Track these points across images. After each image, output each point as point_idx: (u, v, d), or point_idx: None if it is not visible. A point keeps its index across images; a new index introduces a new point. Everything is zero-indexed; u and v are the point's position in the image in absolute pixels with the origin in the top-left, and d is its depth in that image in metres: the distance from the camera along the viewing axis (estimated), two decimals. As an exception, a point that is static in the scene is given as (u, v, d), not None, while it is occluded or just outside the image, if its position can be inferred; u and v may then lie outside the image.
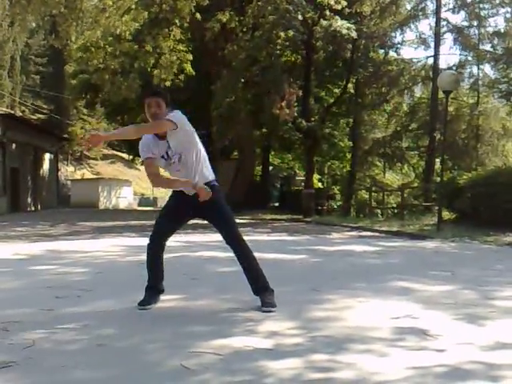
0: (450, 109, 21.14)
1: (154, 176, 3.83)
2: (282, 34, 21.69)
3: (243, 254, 3.86)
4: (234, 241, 3.87)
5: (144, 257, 7.02)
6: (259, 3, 19.39)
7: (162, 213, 4.21)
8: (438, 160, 21.95)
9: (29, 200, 28.73)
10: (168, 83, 20.44)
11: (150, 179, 3.92)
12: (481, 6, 23.52)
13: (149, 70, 20.95)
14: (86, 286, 4.58)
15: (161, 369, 2.50)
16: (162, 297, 4.16)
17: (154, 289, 3.99)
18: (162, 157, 3.75)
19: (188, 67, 21.61)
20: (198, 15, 19.10)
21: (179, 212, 4.01)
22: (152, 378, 2.36)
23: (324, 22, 19.79)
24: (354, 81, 25.57)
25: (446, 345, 2.87)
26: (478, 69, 25.22)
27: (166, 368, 2.51)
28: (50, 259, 6.67)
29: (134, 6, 19.11)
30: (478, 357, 2.66)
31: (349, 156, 28.65)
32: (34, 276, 5.26)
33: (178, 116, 3.65)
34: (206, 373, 2.42)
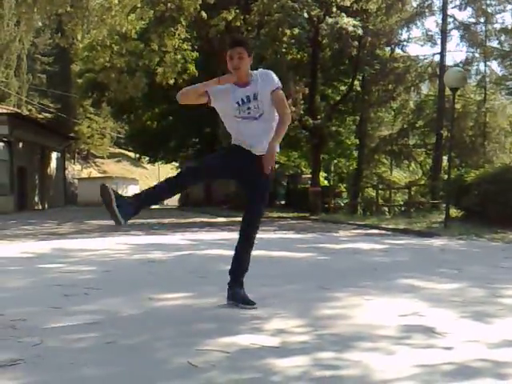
0: (457, 106, 21.04)
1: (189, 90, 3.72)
2: (288, 32, 21.65)
3: (246, 236, 3.79)
4: (251, 219, 3.79)
5: (151, 255, 7.07)
6: (264, 1, 19.36)
7: (210, 159, 3.94)
8: (445, 157, 21.90)
9: (36, 199, 28.86)
10: (171, 81, 20.47)
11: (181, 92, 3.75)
12: (488, 2, 23.41)
13: (153, 68, 20.99)
14: (94, 284, 4.59)
15: (168, 366, 2.51)
16: (170, 294, 4.18)
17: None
18: (237, 102, 3.59)
19: (191, 67, 21.62)
20: (203, 13, 19.10)
21: (223, 163, 3.77)
22: (159, 376, 2.37)
23: (330, 20, 19.76)
24: (361, 78, 25.52)
25: (453, 343, 2.87)
26: (485, 66, 25.14)
27: (173, 365, 2.52)
28: (58, 257, 6.70)
29: (139, 5, 19.16)
30: (485, 355, 2.65)
31: (355, 154, 28.64)
32: (41, 274, 5.28)
33: (277, 80, 3.62)
34: (212, 370, 2.43)
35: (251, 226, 3.78)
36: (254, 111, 3.59)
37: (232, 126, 3.73)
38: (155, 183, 3.89)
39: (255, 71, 3.68)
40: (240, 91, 3.59)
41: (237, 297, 3.70)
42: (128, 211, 3.51)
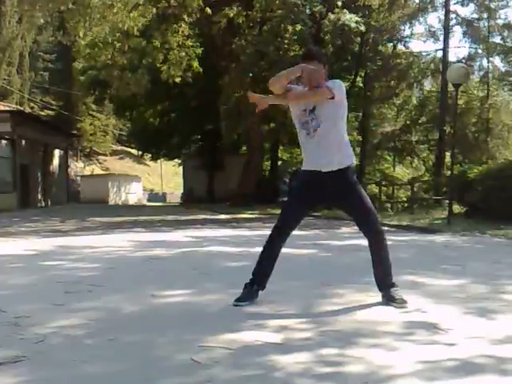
0: (460, 102, 21.01)
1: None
2: (290, 28, 21.61)
3: (379, 248, 3.73)
4: (373, 232, 3.73)
5: (154, 252, 7.07)
6: (267, -3, 19.36)
7: (288, 199, 3.94)
8: (448, 153, 21.84)
9: (39, 196, 28.90)
10: (177, 79, 20.46)
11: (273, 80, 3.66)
12: (490, -3, 23.34)
13: (158, 66, 20.97)
14: (97, 281, 4.60)
15: (171, 363, 2.51)
16: (172, 291, 4.19)
17: (255, 284, 3.78)
18: (304, 110, 3.63)
19: (195, 63, 21.60)
20: (208, 9, 19.06)
21: (307, 196, 3.75)
22: (162, 372, 2.37)
23: (332, 16, 19.73)
24: (363, 74, 25.48)
25: (456, 339, 2.86)
26: (488, 61, 25.05)
27: (176, 362, 2.52)
28: (61, 255, 6.71)
29: (141, 2, 19.14)
30: (488, 351, 2.65)
31: (358, 150, 28.54)
32: (44, 271, 5.29)
33: (337, 85, 3.57)
34: (215, 367, 2.43)
35: (376, 239, 3.75)
36: (313, 123, 3.60)
37: (301, 139, 3.73)
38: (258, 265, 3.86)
39: (329, 82, 3.65)
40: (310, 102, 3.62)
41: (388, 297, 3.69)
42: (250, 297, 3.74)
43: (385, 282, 3.72)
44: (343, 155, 3.67)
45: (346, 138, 3.73)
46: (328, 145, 3.59)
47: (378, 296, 3.96)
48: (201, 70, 21.96)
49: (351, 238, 9.27)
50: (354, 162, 3.77)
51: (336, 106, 3.59)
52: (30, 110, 44.13)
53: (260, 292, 3.79)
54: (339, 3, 19.78)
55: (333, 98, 3.50)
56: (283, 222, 3.79)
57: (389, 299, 3.63)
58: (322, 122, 3.58)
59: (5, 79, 44.43)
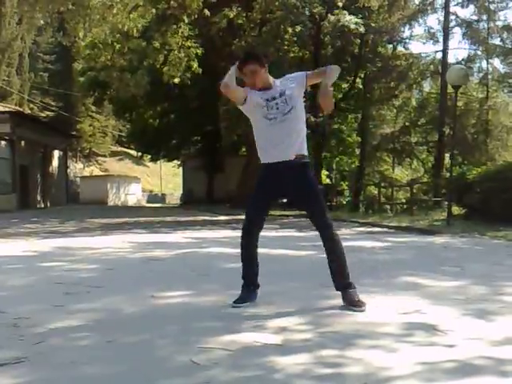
0: (459, 103, 21.03)
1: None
2: (290, 30, 21.63)
3: (331, 243, 3.72)
4: (325, 227, 3.71)
5: (154, 253, 7.07)
6: (266, -1, 19.37)
7: (250, 199, 3.93)
8: (447, 155, 21.86)
9: (38, 197, 28.90)
10: (177, 80, 20.47)
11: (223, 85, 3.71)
12: (490, -1, 23.37)
13: (158, 67, 20.98)
14: (96, 283, 4.60)
15: (170, 364, 2.51)
16: (172, 292, 4.19)
17: (250, 285, 3.85)
18: (266, 99, 3.63)
19: (195, 64, 21.62)
20: (206, 11, 19.08)
21: (267, 193, 3.79)
22: (161, 374, 2.37)
23: (332, 17, 19.75)
24: (363, 76, 25.50)
25: (455, 340, 2.86)
26: (488, 63, 25.10)
27: (176, 363, 2.52)
28: (60, 256, 6.71)
29: (141, 3, 19.14)
30: (487, 352, 2.65)
31: (357, 151, 28.60)
32: (44, 272, 5.29)
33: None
34: (215, 368, 2.43)
35: (328, 234, 3.71)
36: (282, 106, 3.62)
37: (262, 132, 3.72)
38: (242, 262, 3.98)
39: (275, 80, 3.76)
40: (265, 93, 3.66)
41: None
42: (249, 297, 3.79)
43: (344, 280, 3.72)
44: (303, 147, 3.72)
45: (304, 136, 3.78)
46: (293, 130, 3.65)
47: (377, 297, 3.96)
48: (200, 70, 21.97)
49: (350, 239, 9.27)
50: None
51: (301, 94, 3.71)
52: (29, 111, 44.17)
53: (258, 291, 3.81)
54: (339, 4, 19.79)
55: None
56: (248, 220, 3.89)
57: (348, 302, 3.62)
58: (293, 101, 3.64)
59: (4, 80, 44.46)
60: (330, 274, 3.76)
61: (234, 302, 3.69)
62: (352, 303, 3.57)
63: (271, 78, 3.74)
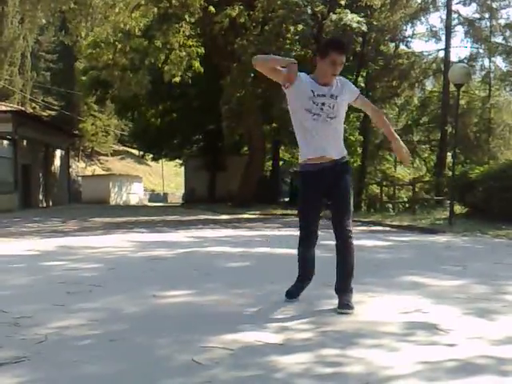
0: (462, 102, 20.99)
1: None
2: (292, 28, 21.61)
3: (344, 247, 3.75)
4: (343, 230, 3.75)
5: (155, 252, 7.08)
6: (268, -3, 19.36)
7: (300, 203, 3.95)
8: (449, 154, 21.83)
9: (40, 196, 28.93)
10: (178, 79, 20.48)
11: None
12: (492, -3, 23.31)
13: (159, 65, 20.99)
14: (98, 282, 4.60)
15: (172, 363, 2.51)
16: (174, 292, 4.19)
17: (303, 282, 3.91)
18: (312, 91, 3.52)
19: (196, 63, 21.63)
20: (211, 8, 19.06)
21: (315, 194, 3.77)
22: (163, 373, 2.37)
23: (334, 16, 19.71)
24: (365, 74, 25.45)
25: (456, 339, 2.86)
26: (490, 61, 25.04)
27: (177, 363, 2.52)
28: (62, 255, 6.72)
29: (143, 2, 19.17)
30: (489, 351, 2.65)
31: (359, 150, 28.54)
32: (45, 272, 5.30)
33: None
34: (216, 367, 2.43)
35: (343, 238, 3.83)
36: (328, 110, 3.53)
37: (304, 125, 3.59)
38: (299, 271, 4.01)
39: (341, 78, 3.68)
40: (319, 87, 3.55)
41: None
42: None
43: (344, 286, 3.70)
44: (343, 149, 3.73)
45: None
46: (334, 134, 3.63)
47: (378, 296, 3.96)
48: (202, 69, 21.98)
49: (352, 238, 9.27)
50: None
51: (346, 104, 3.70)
52: (31, 110, 44.18)
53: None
54: (341, 3, 19.78)
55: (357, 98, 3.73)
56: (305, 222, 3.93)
57: (340, 305, 3.58)
58: (340, 111, 3.60)
59: (6, 79, 44.51)
60: (336, 275, 3.76)
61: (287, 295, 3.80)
62: (343, 306, 3.54)
63: None
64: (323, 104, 3.51)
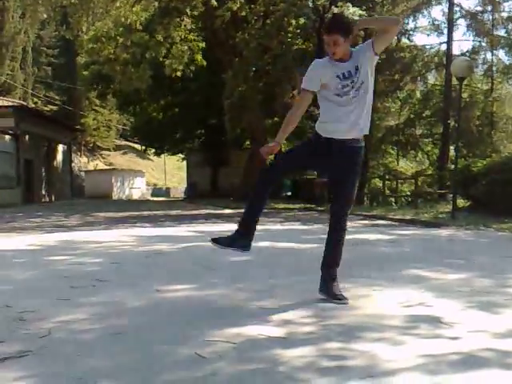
0: (464, 95, 20.93)
1: (297, 110, 3.65)
2: (293, 22, 21.55)
3: (337, 230, 3.69)
4: (340, 211, 3.69)
5: (158, 246, 7.08)
6: (270, -9, 19.31)
7: (294, 149, 3.91)
8: (452, 147, 21.79)
9: (43, 191, 28.98)
10: (179, 73, 20.45)
11: (293, 110, 3.68)
12: (495, -10, 23.19)
13: (160, 60, 20.94)
14: (101, 276, 4.61)
15: (175, 357, 2.52)
16: (177, 286, 4.19)
17: (243, 233, 3.74)
18: (338, 76, 3.49)
19: (199, 57, 21.59)
20: (213, 1, 19.00)
21: (309, 151, 3.69)
22: (166, 366, 2.38)
23: (335, 9, 19.62)
24: (367, 68, 25.34)
25: (460, 333, 2.86)
26: (492, 55, 24.94)
27: (180, 356, 2.53)
28: (65, 250, 6.73)
29: (144, -4, 19.10)
30: (492, 345, 2.65)
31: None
32: (49, 266, 5.31)
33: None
34: (219, 361, 2.44)
35: (339, 220, 3.71)
36: (356, 85, 3.50)
37: (330, 107, 3.58)
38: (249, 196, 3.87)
39: (352, 50, 3.59)
40: (340, 66, 3.52)
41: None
42: (242, 244, 3.71)
43: (329, 272, 3.67)
44: (366, 124, 3.64)
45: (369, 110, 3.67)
46: (362, 108, 3.56)
47: (382, 290, 3.96)
48: (204, 63, 21.94)
49: (354, 232, 9.27)
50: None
51: (373, 65, 3.58)
52: (33, 105, 44.17)
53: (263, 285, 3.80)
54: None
55: (375, 54, 3.55)
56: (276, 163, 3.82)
57: (330, 295, 3.59)
58: (366, 83, 3.53)
59: (8, 74, 44.50)
60: (322, 262, 3.71)
61: (213, 240, 3.76)
62: (335, 296, 3.56)
63: (349, 48, 3.56)
64: (353, 82, 3.51)
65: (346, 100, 3.52)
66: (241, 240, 3.72)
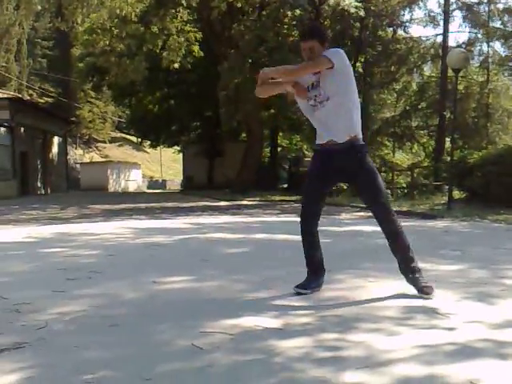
0: (460, 87, 20.94)
1: (307, 70, 3.53)
2: (289, 13, 21.47)
3: (390, 230, 3.64)
4: (382, 213, 3.58)
5: (155, 239, 7.09)
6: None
7: (306, 186, 3.82)
8: (448, 139, 21.81)
9: (38, 184, 28.90)
10: (176, 65, 20.36)
11: (305, 68, 3.54)
12: (491, -18, 23.17)
13: (157, 52, 20.85)
14: (97, 268, 4.61)
15: (172, 348, 2.52)
16: (173, 278, 4.20)
17: (314, 273, 3.75)
18: (308, 87, 3.54)
19: (196, 48, 21.50)
20: None
21: (323, 178, 3.65)
22: (163, 357, 2.38)
23: (331, 1, 19.61)
24: (363, 60, 25.35)
25: (455, 323, 2.88)
26: (488, 46, 24.94)
27: (177, 347, 2.53)
28: (61, 242, 6.72)
29: (139, -13, 18.99)
30: (487, 335, 2.66)
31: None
32: (45, 258, 5.31)
33: (335, 53, 3.44)
34: (216, 352, 2.44)
35: (386, 221, 3.63)
36: (321, 97, 3.50)
37: (310, 115, 3.61)
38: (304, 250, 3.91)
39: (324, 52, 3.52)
40: (311, 76, 3.54)
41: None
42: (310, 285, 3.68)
43: (405, 265, 3.63)
44: (352, 126, 3.51)
45: (358, 112, 3.57)
46: (336, 119, 3.47)
47: (377, 281, 3.98)
48: (202, 54, 21.86)
49: (350, 224, 9.29)
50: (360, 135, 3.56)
51: (341, 75, 3.47)
52: (28, 97, 43.98)
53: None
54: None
55: (332, 67, 3.37)
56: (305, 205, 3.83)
57: (416, 287, 3.50)
58: (333, 96, 3.46)
59: (3, 66, 44.26)
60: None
61: (296, 287, 3.63)
62: (421, 291, 3.47)
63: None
64: (315, 95, 3.52)
65: (316, 108, 3.53)
66: (312, 278, 3.75)
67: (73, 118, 42.11)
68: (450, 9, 23.28)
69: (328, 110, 3.48)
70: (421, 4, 24.47)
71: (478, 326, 2.84)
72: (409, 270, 3.58)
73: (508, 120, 24.67)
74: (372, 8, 22.19)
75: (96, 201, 19.75)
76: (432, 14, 24.55)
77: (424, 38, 25.46)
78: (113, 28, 21.24)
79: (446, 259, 5.00)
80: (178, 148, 41.50)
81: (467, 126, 23.45)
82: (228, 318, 2.98)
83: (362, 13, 19.65)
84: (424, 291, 3.45)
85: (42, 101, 49.22)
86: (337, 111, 3.46)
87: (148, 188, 50.96)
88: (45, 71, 53.61)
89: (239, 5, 20.23)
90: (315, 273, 3.74)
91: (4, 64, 44.63)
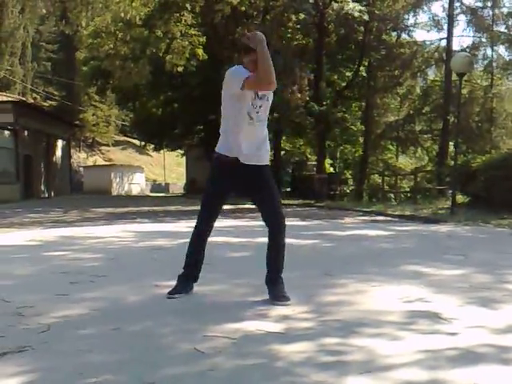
0: (464, 91, 20.91)
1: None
2: (294, 17, 21.49)
3: (276, 236, 3.64)
4: (274, 217, 3.64)
5: (157, 242, 7.09)
6: (270, -14, 19.27)
7: (206, 192, 3.96)
8: (451, 143, 21.78)
9: (42, 187, 28.94)
10: (180, 68, 20.39)
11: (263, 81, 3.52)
12: (495, -14, 23.16)
13: (161, 55, 20.88)
14: (100, 272, 4.61)
15: (174, 352, 2.52)
16: (175, 282, 4.17)
17: (189, 277, 3.78)
18: (256, 93, 3.57)
19: (200, 51, 21.51)
20: None
21: (223, 188, 3.83)
22: (165, 361, 2.38)
23: (336, 5, 19.62)
24: (367, 64, 25.36)
25: (458, 328, 2.87)
26: (492, 50, 24.93)
27: (180, 351, 2.53)
28: (64, 245, 6.73)
29: (143, -9, 19.04)
30: (490, 340, 2.66)
31: (361, 140, 28.49)
32: (48, 262, 5.31)
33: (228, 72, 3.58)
34: (218, 356, 2.44)
35: (276, 226, 3.65)
36: (262, 112, 3.61)
37: (243, 121, 3.61)
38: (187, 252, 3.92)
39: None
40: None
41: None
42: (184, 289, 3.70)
43: (275, 276, 3.62)
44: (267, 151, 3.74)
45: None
46: (263, 137, 3.67)
47: (380, 286, 3.97)
48: (206, 56, 21.87)
49: (354, 228, 9.28)
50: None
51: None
52: (32, 101, 44.08)
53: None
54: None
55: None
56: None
57: (273, 298, 3.50)
58: (264, 120, 3.63)
59: (7, 69, 44.41)
60: (267, 265, 3.65)
61: (169, 293, 3.64)
62: (278, 298, 3.47)
63: None
64: (261, 106, 3.60)
65: (252, 123, 3.62)
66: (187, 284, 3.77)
67: (76, 122, 42.24)
68: (454, 13, 23.28)
69: (261, 131, 3.64)
70: (425, 8, 24.47)
71: (481, 331, 2.83)
72: (280, 279, 3.60)
73: (512, 124, 24.64)
74: (376, 12, 22.19)
75: (99, 204, 19.76)
76: (436, 18, 24.57)
77: (428, 42, 25.45)
78: (117, 31, 21.27)
79: (449, 264, 4.99)
80: (182, 151, 41.52)
81: (471, 131, 23.41)
82: (230, 322, 2.98)
83: (366, 17, 19.67)
84: (282, 300, 3.45)
85: (46, 104, 49.34)
86: (265, 135, 3.67)
87: (151, 191, 50.99)
88: (49, 74, 53.76)
89: (243, 8, 20.27)
90: (194, 278, 3.80)
91: (8, 67, 44.77)
